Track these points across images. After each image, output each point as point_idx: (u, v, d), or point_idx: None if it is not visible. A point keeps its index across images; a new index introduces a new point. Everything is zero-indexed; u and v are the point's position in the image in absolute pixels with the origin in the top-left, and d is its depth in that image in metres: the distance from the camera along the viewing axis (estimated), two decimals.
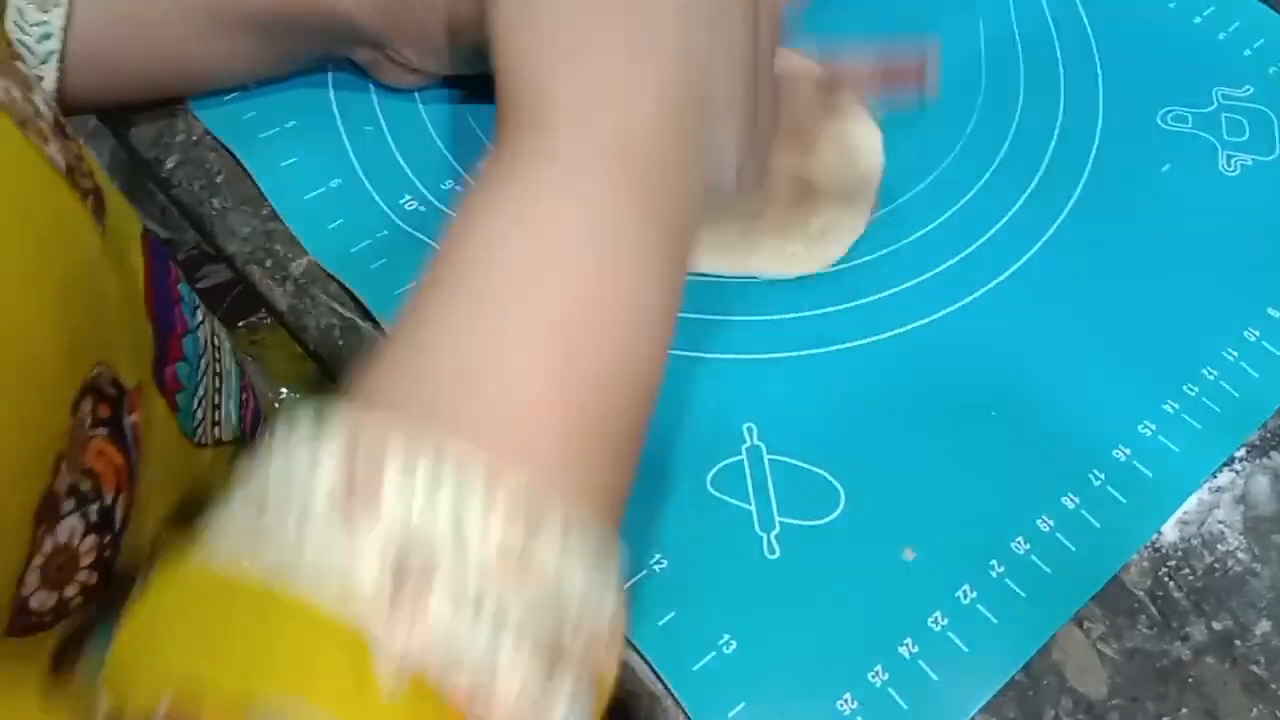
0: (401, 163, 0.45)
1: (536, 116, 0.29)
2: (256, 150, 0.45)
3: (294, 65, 0.46)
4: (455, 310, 0.27)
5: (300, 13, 0.41)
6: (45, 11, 0.38)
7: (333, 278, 0.42)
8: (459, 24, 0.41)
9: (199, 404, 0.31)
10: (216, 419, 0.32)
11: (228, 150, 0.45)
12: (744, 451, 0.39)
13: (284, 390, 1.09)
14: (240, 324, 1.12)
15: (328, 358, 0.41)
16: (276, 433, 0.24)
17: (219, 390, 0.33)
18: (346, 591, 0.21)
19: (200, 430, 0.31)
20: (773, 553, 0.37)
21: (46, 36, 0.38)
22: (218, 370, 0.33)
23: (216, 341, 0.34)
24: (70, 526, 0.26)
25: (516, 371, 0.26)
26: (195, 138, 0.46)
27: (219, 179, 0.45)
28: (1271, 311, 0.42)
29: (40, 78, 0.38)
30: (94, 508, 0.26)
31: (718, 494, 0.38)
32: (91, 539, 0.27)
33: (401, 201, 0.44)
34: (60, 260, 0.25)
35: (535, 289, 0.27)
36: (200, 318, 0.32)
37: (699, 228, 0.32)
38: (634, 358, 0.29)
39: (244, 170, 0.45)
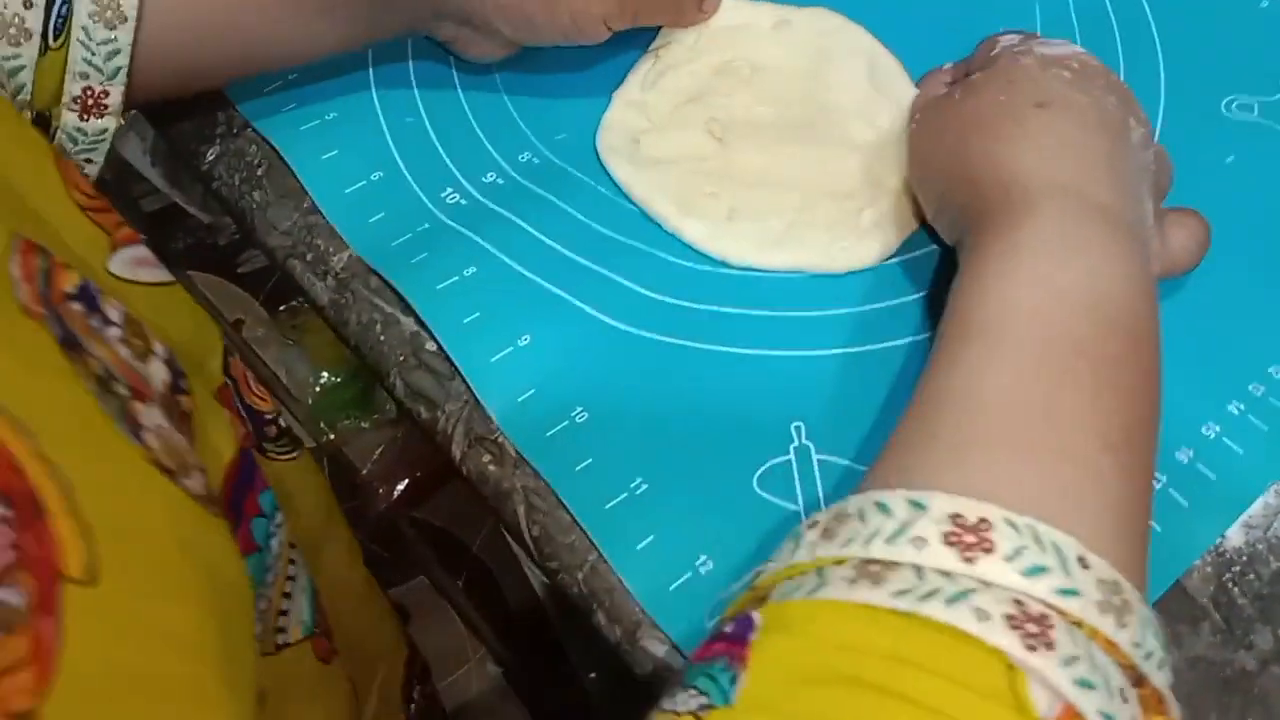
0: (443, 155, 0.45)
1: (1017, 199, 0.34)
2: (297, 143, 0.45)
3: (373, 42, 0.45)
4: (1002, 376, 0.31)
5: None
6: (112, 29, 0.37)
7: (374, 272, 0.42)
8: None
9: (260, 616, 0.31)
10: (281, 625, 0.33)
11: (268, 142, 0.45)
12: (792, 451, 0.38)
13: (324, 374, 1.09)
14: (281, 309, 1.13)
15: (368, 352, 0.41)
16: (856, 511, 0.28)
17: (287, 595, 0.33)
18: (984, 615, 0.24)
19: (271, 560, 0.31)
20: None
21: (114, 53, 0.37)
22: (289, 574, 0.33)
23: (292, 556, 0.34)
24: None
25: (1074, 434, 0.29)
26: (235, 130, 0.45)
27: (259, 172, 0.45)
28: None
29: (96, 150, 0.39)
30: None
31: (765, 494, 0.37)
32: None
33: (443, 194, 0.44)
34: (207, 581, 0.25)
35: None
36: (272, 529, 0.32)
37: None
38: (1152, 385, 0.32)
39: (284, 163, 0.44)
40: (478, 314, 0.40)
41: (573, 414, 0.39)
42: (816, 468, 0.38)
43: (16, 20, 0.35)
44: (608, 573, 0.36)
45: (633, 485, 0.37)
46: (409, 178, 0.44)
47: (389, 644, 0.53)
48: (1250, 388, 0.39)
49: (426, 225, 0.43)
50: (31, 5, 0.35)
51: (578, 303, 0.41)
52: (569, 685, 0.87)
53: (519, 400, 0.39)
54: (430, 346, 0.40)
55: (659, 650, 0.35)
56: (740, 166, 0.43)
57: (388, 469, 1.04)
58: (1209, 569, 0.36)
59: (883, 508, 0.27)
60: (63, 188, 0.31)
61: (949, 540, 0.26)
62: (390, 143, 0.45)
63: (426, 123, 0.46)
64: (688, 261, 0.42)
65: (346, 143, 0.45)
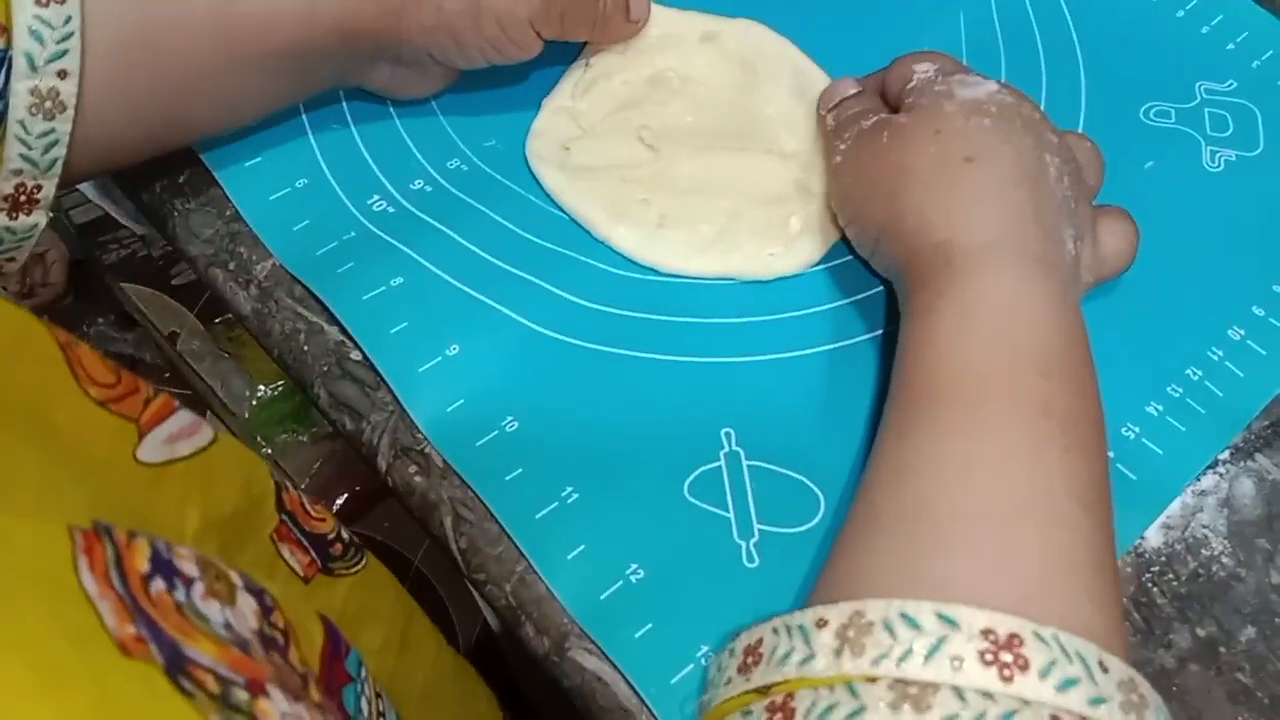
0: (370, 162, 0.44)
1: (957, 261, 0.35)
2: (220, 151, 0.44)
3: (305, 97, 0.44)
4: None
5: (323, 40, 0.39)
6: (50, 119, 0.35)
7: (298, 280, 0.41)
8: (479, 20, 0.40)
9: (364, 687, 0.30)
10: (374, 700, 0.31)
11: (190, 149, 0.44)
12: (722, 457, 0.38)
13: (261, 388, 1.08)
14: (217, 321, 1.11)
15: (291, 362, 0.40)
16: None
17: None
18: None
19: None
20: (752, 561, 0.36)
21: (52, 145, 0.35)
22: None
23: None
24: None
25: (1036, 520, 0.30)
26: None
27: (181, 179, 0.44)
28: (1257, 310, 0.42)
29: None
30: None
31: (696, 501, 0.37)
32: None
33: (370, 202, 0.43)
34: None
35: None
36: (360, 688, 0.31)
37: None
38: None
39: (207, 170, 0.43)
40: (405, 324, 0.40)
41: (503, 423, 0.38)
42: (747, 473, 0.38)
43: None
44: (536, 583, 0.35)
45: (564, 494, 0.37)
46: (335, 185, 0.44)
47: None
48: (1169, 389, 0.40)
49: (353, 233, 0.42)
50: None
51: (507, 311, 0.41)
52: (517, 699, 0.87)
53: (448, 410, 0.39)
54: (355, 356, 0.40)
55: (588, 662, 0.34)
56: (671, 174, 0.43)
57: (326, 483, 1.03)
58: (1129, 569, 0.37)
59: (910, 621, 0.27)
60: (78, 389, 0.29)
61: (985, 659, 0.26)
62: (315, 149, 0.45)
63: (353, 129, 0.45)
64: (618, 269, 0.42)
65: (270, 149, 0.44)
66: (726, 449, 0.38)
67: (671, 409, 0.39)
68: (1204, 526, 0.38)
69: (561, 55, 0.45)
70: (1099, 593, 0.29)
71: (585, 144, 0.44)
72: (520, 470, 0.37)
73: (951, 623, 0.27)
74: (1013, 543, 0.29)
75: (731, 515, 0.37)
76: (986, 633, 0.26)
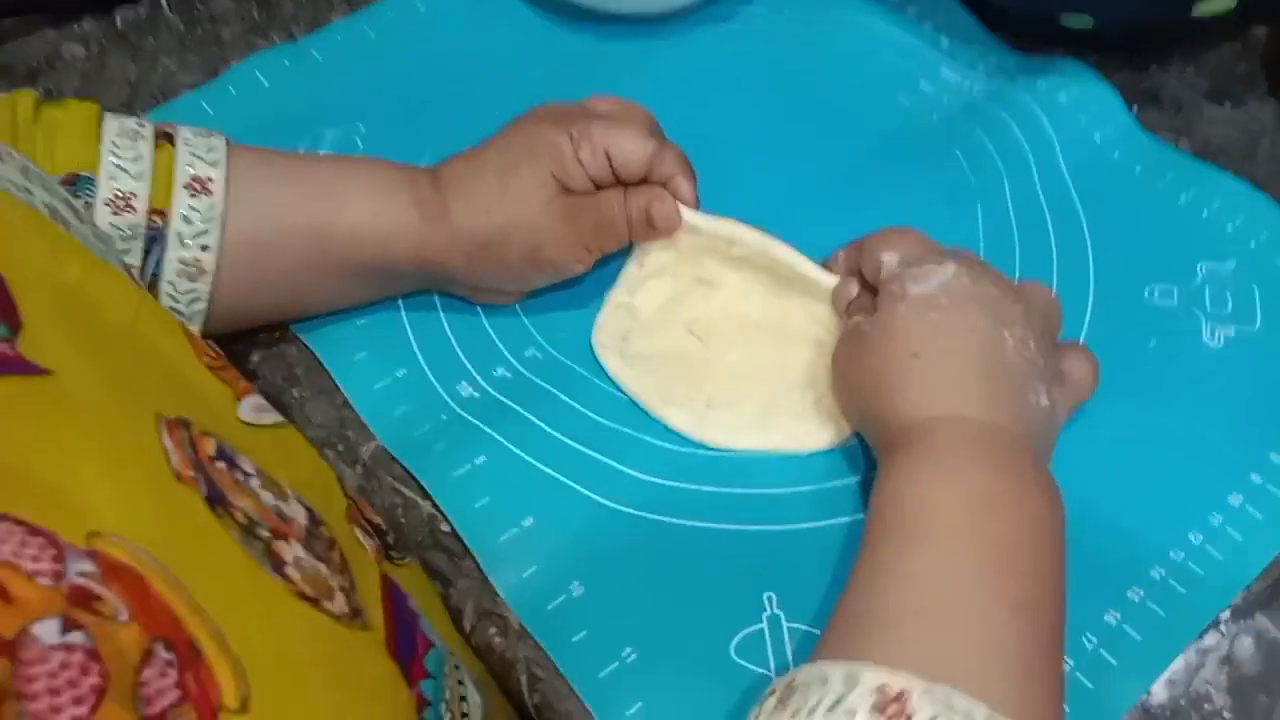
0: (459, 352, 0.51)
1: (913, 435, 0.40)
2: (331, 345, 0.51)
3: (398, 294, 0.53)
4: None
5: (400, 264, 0.48)
6: (193, 280, 0.45)
7: (396, 460, 0.48)
8: (536, 256, 0.47)
9: (445, 683, 0.37)
10: (458, 690, 0.37)
11: (305, 346, 0.51)
12: (764, 620, 0.43)
13: None
14: None
15: (390, 531, 0.47)
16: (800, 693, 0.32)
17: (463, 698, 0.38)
18: None
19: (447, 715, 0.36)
20: None
21: (195, 300, 0.45)
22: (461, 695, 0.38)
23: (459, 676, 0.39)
24: None
25: (978, 616, 0.35)
26: (277, 334, 0.52)
27: (298, 371, 0.51)
28: (1254, 477, 0.46)
29: None
30: None
31: (741, 661, 0.42)
32: None
33: (459, 388, 0.50)
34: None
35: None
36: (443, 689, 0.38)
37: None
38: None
39: (319, 363, 0.51)
40: (488, 499, 0.46)
41: (569, 588, 0.44)
42: (787, 635, 0.43)
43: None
44: None
45: (624, 654, 0.42)
46: (429, 374, 0.50)
47: None
48: (1171, 554, 0.44)
49: (444, 417, 0.49)
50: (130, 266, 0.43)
51: (574, 485, 0.47)
52: None
53: (523, 576, 0.44)
54: (445, 528, 0.46)
55: None
56: (717, 362, 0.49)
57: None
58: None
59: (823, 680, 0.32)
60: (194, 355, 0.37)
61: (875, 710, 0.31)
62: (413, 341, 0.52)
63: (444, 322, 0.52)
64: (671, 444, 0.48)
65: (374, 344, 0.51)
66: (769, 611, 0.43)
67: (718, 574, 0.44)
68: (1206, 682, 0.42)
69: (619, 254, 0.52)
70: (1015, 681, 0.33)
71: (641, 335, 0.50)
72: (585, 632, 0.43)
73: (855, 680, 0.32)
74: (940, 631, 0.34)
75: (773, 674, 0.42)
76: (881, 688, 0.31)
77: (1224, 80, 0.60)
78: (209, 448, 0.32)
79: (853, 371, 0.45)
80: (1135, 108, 0.59)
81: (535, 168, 0.46)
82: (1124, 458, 0.46)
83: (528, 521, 0.46)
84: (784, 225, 0.54)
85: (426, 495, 0.47)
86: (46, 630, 0.22)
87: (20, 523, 0.23)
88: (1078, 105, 0.59)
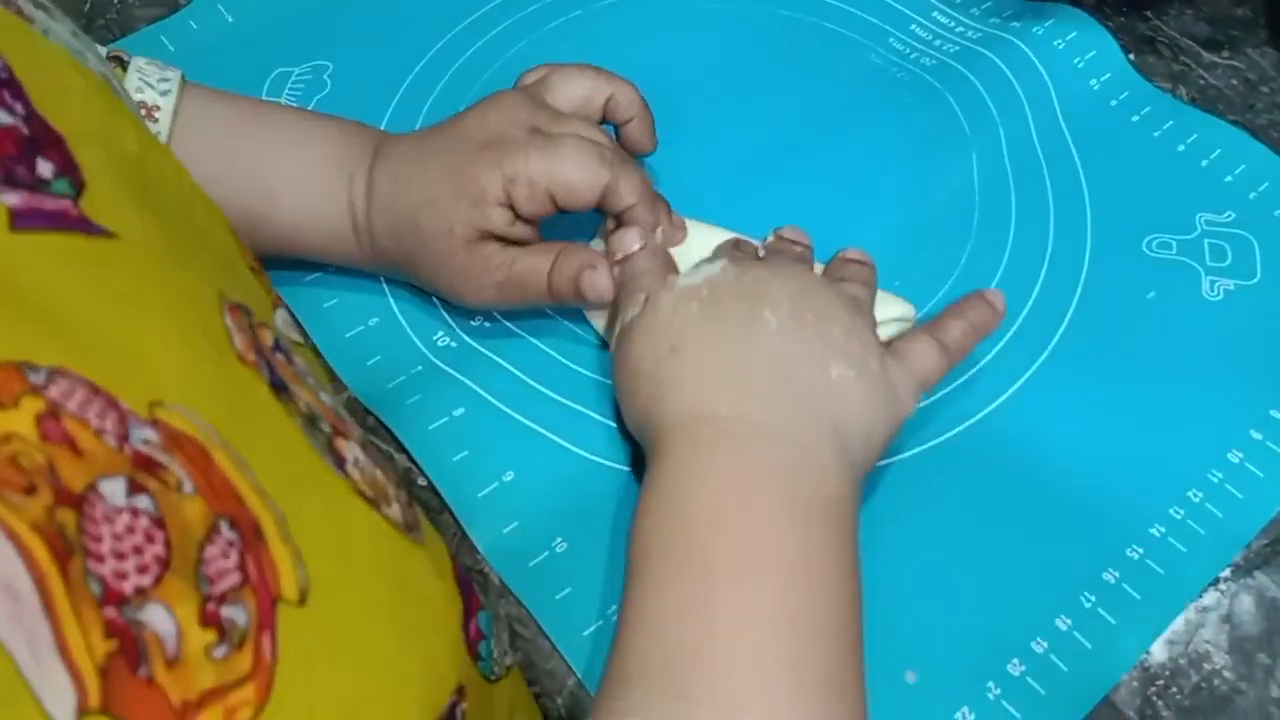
0: (435, 301, 0.49)
1: (666, 437, 0.38)
2: (301, 292, 0.49)
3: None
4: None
5: (340, 262, 0.48)
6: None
7: (370, 412, 0.46)
8: (446, 291, 0.46)
9: (494, 644, 0.35)
10: (504, 648, 0.36)
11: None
12: None
13: None
14: None
15: None
16: None
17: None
18: None
19: (496, 668, 0.35)
20: None
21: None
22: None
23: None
24: None
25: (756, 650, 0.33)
26: None
27: None
28: (1254, 434, 0.45)
29: None
30: None
31: None
32: None
33: (435, 338, 0.48)
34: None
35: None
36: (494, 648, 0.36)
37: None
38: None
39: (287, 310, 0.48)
40: (466, 452, 0.44)
41: (552, 544, 0.42)
42: None
43: None
44: (586, 697, 0.39)
45: (609, 612, 0.41)
46: (404, 323, 0.48)
47: None
48: (1171, 511, 0.43)
49: (420, 367, 0.47)
50: None
51: (557, 439, 0.45)
52: None
53: (503, 532, 0.42)
54: (421, 482, 0.44)
55: None
56: None
57: None
58: (1135, 683, 0.40)
59: None
60: (239, 253, 0.35)
61: None
62: (386, 290, 0.49)
63: None
64: None
65: (346, 290, 0.49)
66: None
67: None
68: (1206, 642, 0.41)
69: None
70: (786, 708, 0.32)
71: None
72: (569, 589, 0.41)
73: None
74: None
75: None
76: None
77: (1223, 27, 0.59)
78: (267, 338, 0.30)
79: (624, 375, 0.41)
80: (1132, 54, 0.57)
81: (454, 207, 0.43)
82: (1123, 414, 0.45)
83: (508, 476, 0.44)
84: (771, 173, 0.53)
85: (402, 448, 0.45)
86: (113, 489, 0.20)
87: (84, 381, 0.21)
88: (1074, 51, 0.57)
